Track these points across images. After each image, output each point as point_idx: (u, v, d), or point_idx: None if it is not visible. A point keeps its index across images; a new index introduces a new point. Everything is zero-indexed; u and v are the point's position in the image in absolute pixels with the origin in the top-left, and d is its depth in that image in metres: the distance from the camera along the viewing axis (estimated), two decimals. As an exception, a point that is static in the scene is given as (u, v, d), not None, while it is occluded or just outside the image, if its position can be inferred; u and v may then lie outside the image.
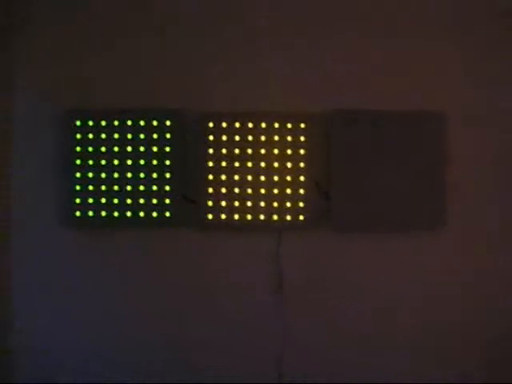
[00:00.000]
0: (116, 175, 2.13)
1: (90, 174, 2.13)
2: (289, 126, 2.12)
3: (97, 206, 2.13)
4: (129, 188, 2.12)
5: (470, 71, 2.17)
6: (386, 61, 2.17)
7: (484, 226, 2.15)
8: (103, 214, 2.13)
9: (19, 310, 2.19)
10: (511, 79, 2.17)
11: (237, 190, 2.12)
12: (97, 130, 2.13)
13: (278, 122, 2.12)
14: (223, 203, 2.11)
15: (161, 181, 2.12)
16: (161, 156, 2.12)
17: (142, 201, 2.12)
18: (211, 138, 2.12)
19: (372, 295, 2.16)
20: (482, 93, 2.16)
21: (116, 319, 2.19)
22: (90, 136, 2.13)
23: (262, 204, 2.11)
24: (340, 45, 2.17)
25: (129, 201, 2.12)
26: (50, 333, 2.20)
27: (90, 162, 2.13)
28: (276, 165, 2.11)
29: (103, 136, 2.13)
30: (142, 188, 2.12)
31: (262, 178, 2.12)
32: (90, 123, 2.13)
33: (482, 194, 2.16)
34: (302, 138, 2.12)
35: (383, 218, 2.11)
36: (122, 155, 2.13)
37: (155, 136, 2.13)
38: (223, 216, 2.11)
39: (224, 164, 2.12)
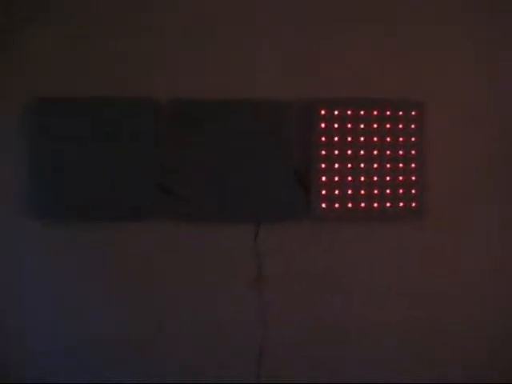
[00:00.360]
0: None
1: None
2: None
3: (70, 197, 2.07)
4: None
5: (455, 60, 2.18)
6: (365, 50, 2.16)
7: (464, 217, 2.17)
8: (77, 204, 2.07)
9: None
10: (496, 66, 2.19)
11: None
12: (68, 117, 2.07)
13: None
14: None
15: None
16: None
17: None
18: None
19: (352, 284, 2.16)
20: (464, 81, 2.17)
21: (89, 308, 2.15)
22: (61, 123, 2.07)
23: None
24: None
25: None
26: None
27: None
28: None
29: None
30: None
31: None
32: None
33: (462, 183, 2.17)
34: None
35: (363, 209, 2.10)
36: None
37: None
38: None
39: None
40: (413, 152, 2.11)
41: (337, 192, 2.09)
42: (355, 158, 2.10)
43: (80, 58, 2.11)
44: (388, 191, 2.10)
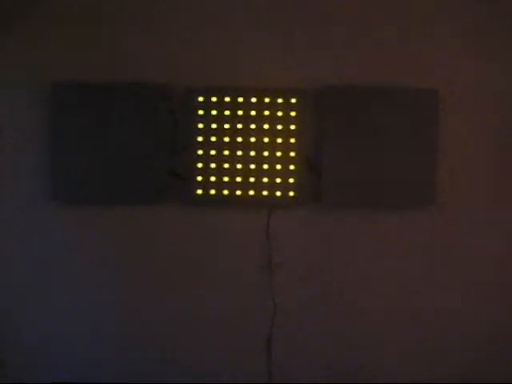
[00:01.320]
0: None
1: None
2: (279, 100, 2.09)
3: (84, 182, 2.08)
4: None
5: (467, 48, 2.15)
6: (378, 37, 2.13)
7: (473, 205, 2.17)
8: (90, 189, 2.09)
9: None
10: (507, 57, 2.16)
11: (226, 165, 2.10)
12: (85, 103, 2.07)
13: (268, 97, 2.09)
14: (212, 178, 2.10)
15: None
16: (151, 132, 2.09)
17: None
18: (201, 112, 2.09)
19: (361, 271, 2.18)
20: (478, 70, 2.15)
21: (102, 294, 2.18)
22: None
23: (252, 179, 2.10)
24: (329, 21, 2.13)
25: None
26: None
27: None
28: (266, 140, 2.10)
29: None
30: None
31: (252, 153, 2.10)
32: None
33: (472, 172, 2.17)
34: (293, 113, 2.09)
35: (373, 195, 2.11)
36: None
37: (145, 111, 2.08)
38: (212, 191, 2.10)
39: (214, 139, 2.09)
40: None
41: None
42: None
43: (94, 43, 2.12)
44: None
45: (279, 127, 2.09)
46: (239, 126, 2.09)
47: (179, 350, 2.18)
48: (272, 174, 2.10)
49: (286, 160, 2.10)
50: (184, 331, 2.18)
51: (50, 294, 2.16)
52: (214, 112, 2.09)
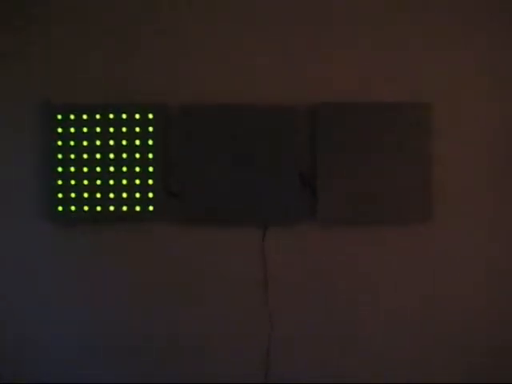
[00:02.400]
0: (98, 169, 2.12)
1: (72, 169, 2.12)
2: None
3: (79, 201, 2.11)
4: (111, 182, 2.12)
5: (460, 62, 2.17)
6: (373, 51, 2.16)
7: (470, 219, 2.15)
8: (85, 208, 2.11)
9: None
10: (501, 68, 2.17)
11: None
12: (79, 123, 2.11)
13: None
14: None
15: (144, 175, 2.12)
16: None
17: (124, 195, 2.12)
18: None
19: (359, 288, 2.16)
20: (470, 84, 2.16)
21: (100, 314, 2.18)
22: (72, 130, 2.12)
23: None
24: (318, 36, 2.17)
25: (111, 195, 2.11)
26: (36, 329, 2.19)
27: (72, 156, 2.12)
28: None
29: (85, 130, 2.12)
30: (124, 182, 2.12)
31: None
32: (72, 117, 2.11)
33: (469, 186, 2.16)
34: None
35: (369, 211, 2.10)
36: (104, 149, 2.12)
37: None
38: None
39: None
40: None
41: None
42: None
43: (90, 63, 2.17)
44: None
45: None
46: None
47: (176, 364, 2.16)
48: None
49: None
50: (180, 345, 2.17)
51: (50, 307, 2.17)
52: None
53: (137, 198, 2.11)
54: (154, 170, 2.11)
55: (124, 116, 2.11)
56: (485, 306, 2.16)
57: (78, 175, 2.11)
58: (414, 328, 2.16)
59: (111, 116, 2.11)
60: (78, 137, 2.11)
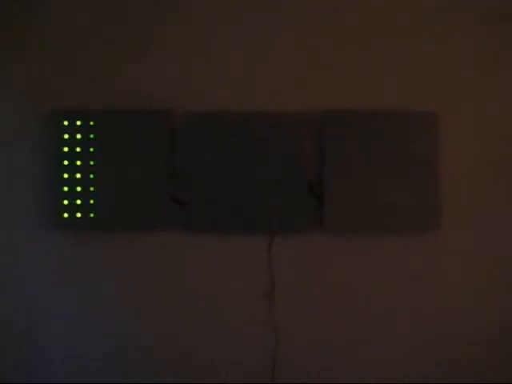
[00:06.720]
0: None
1: (78, 175, 2.10)
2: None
3: (85, 208, 2.10)
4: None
5: (464, 70, 2.16)
6: (376, 60, 2.15)
7: (478, 229, 2.13)
8: (91, 215, 2.10)
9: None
10: (507, 77, 2.16)
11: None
12: (85, 130, 2.10)
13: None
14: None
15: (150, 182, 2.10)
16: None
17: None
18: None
19: (365, 297, 2.14)
20: (475, 93, 2.15)
21: (105, 318, 2.17)
22: (78, 136, 2.10)
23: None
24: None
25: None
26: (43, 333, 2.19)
27: (78, 163, 2.11)
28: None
29: (91, 136, 2.11)
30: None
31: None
32: (78, 123, 2.10)
33: (476, 195, 2.14)
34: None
35: (376, 220, 2.08)
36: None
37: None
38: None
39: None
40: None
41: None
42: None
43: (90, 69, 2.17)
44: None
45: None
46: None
47: (179, 378, 2.16)
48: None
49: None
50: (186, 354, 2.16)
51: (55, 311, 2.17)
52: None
53: (143, 206, 2.09)
54: (160, 177, 2.09)
55: (130, 123, 2.09)
56: (493, 314, 2.14)
57: (84, 182, 2.10)
58: (427, 338, 2.14)
59: (118, 123, 2.09)
60: (84, 143, 2.10)
